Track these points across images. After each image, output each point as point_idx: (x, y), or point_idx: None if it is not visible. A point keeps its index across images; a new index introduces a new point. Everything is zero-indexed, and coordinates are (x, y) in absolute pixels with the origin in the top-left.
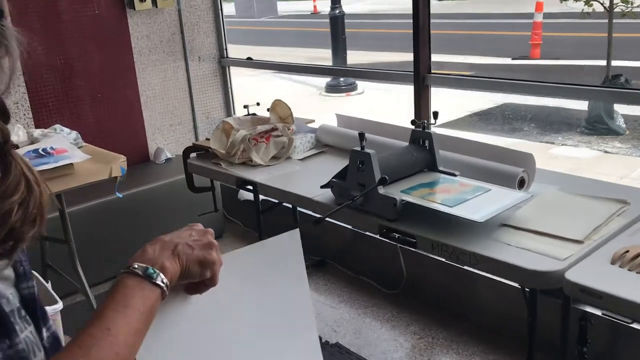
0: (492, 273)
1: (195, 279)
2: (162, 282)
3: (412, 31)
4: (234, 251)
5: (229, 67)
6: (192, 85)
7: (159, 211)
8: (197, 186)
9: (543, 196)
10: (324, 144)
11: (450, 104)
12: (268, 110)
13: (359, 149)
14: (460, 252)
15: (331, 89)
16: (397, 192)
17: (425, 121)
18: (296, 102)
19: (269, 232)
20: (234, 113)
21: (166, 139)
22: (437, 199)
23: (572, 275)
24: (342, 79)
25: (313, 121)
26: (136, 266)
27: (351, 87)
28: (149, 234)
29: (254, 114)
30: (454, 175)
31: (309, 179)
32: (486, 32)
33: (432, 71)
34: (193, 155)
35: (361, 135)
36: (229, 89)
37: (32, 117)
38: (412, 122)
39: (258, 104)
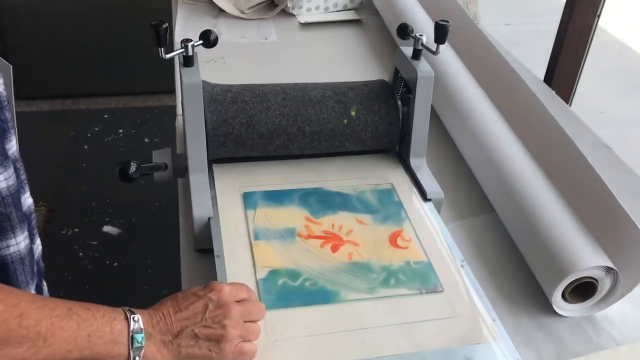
0: None
1: None
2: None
3: None
4: None
5: None
6: None
7: None
8: None
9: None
10: (375, 9)
11: None
12: None
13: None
14: None
15: None
16: (233, 188)
17: (421, 35)
18: None
19: None
20: None
21: None
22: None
23: None
24: None
25: None
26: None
27: None
28: None
29: None
30: (424, 197)
31: (246, 72)
32: None
33: None
34: None
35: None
36: None
37: None
38: (399, 30)
39: None
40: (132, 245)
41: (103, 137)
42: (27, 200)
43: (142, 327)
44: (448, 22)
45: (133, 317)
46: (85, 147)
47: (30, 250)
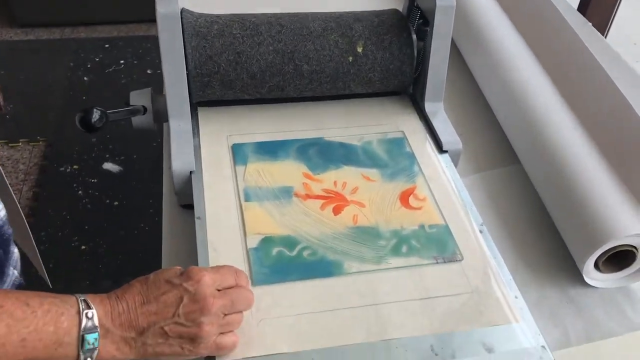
0: None
1: None
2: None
3: None
4: None
5: None
6: None
7: None
8: None
9: None
10: None
11: None
12: None
13: None
14: None
15: None
16: (220, 137)
17: None
18: None
19: None
20: None
21: None
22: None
23: None
24: None
25: None
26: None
27: None
28: None
29: None
30: (440, 149)
31: None
32: None
33: None
34: None
35: None
36: None
37: None
38: None
39: None
40: (133, 183)
41: (104, 68)
42: None
43: (97, 324)
44: None
45: (86, 314)
46: (85, 78)
47: None
